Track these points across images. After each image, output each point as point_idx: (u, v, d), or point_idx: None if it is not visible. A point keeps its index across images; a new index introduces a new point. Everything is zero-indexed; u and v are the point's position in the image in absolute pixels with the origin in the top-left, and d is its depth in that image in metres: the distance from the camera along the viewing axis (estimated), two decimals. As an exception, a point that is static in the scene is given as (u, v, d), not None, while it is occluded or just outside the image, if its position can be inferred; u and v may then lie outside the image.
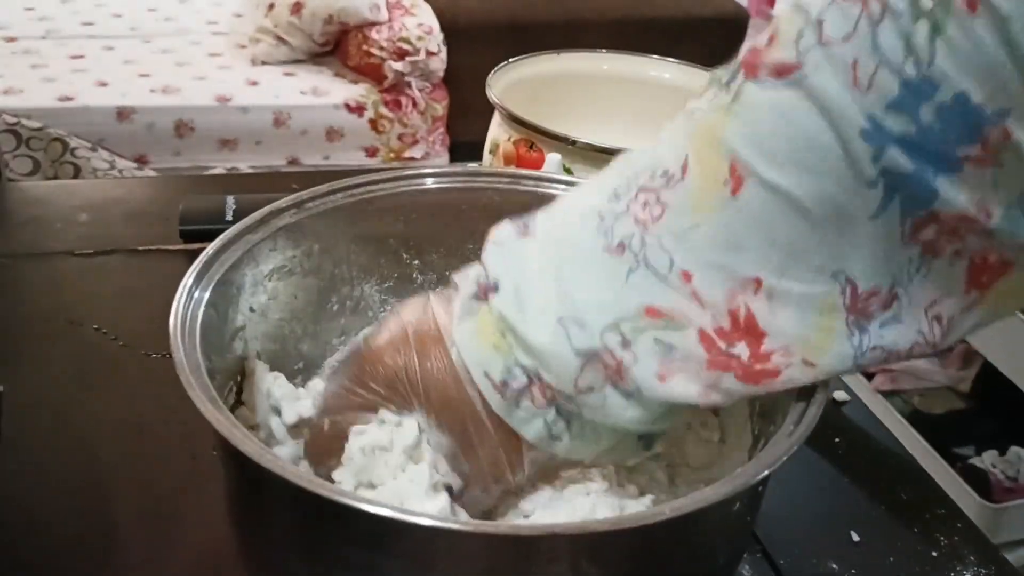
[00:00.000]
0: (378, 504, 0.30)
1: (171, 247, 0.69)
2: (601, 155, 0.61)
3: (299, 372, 0.48)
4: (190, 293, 0.39)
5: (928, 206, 0.30)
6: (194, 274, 0.40)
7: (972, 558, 0.48)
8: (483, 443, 0.38)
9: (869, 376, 1.60)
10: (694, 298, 0.33)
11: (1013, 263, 0.31)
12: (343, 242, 0.48)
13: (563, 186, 0.49)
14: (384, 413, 0.39)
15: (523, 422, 0.37)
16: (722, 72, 0.33)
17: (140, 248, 0.69)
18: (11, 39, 2.22)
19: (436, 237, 0.50)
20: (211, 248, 0.42)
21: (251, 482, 0.35)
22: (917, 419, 1.50)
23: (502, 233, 0.39)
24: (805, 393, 0.35)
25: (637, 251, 0.34)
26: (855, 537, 0.49)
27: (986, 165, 0.29)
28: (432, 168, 0.50)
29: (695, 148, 0.33)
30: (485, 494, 0.39)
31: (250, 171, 1.97)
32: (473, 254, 0.45)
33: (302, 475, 0.31)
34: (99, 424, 0.53)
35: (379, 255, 0.49)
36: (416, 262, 0.50)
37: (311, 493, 0.30)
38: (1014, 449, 1.44)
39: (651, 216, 0.33)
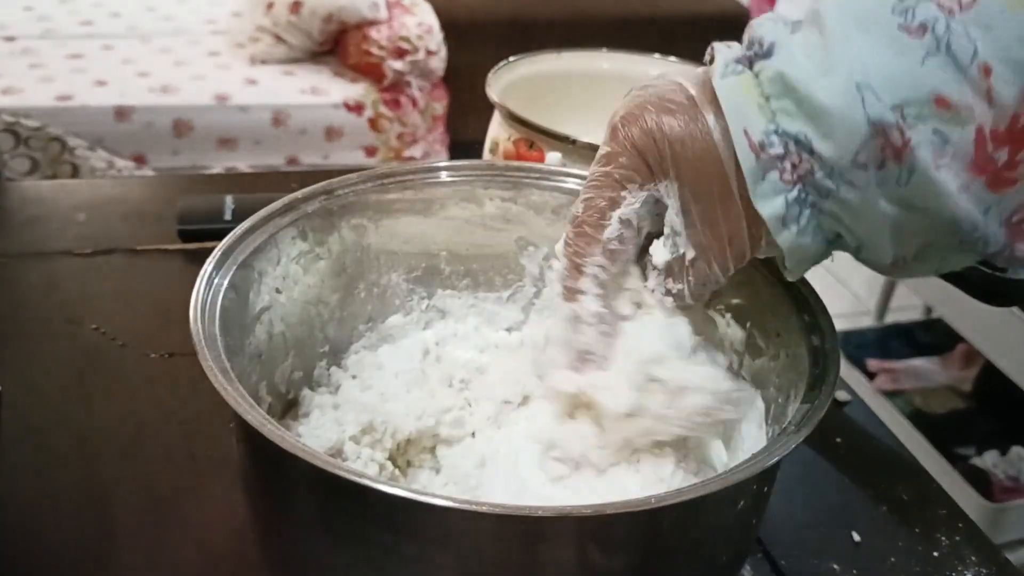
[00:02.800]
0: (395, 485, 0.31)
1: (170, 247, 0.69)
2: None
3: (324, 355, 0.48)
4: (210, 277, 0.40)
5: None
6: (216, 258, 0.41)
7: (973, 558, 0.48)
8: (728, 215, 0.37)
9: (871, 376, 1.60)
10: (987, 95, 0.32)
11: None
12: (370, 231, 0.49)
13: (573, 180, 0.49)
14: (628, 192, 0.38)
15: (764, 196, 0.35)
16: None
17: (139, 248, 0.69)
18: (10, 39, 2.22)
19: (463, 230, 0.50)
20: (237, 230, 0.42)
21: (269, 463, 0.35)
22: (918, 419, 1.50)
23: (768, 15, 0.37)
24: (810, 393, 0.36)
25: (940, 35, 0.32)
26: (856, 537, 0.49)
27: None
28: (457, 162, 0.51)
29: None
30: (716, 271, 0.38)
31: (249, 171, 1.97)
32: (501, 246, 0.46)
33: (319, 455, 0.32)
34: (98, 424, 0.53)
35: (406, 245, 0.50)
36: (444, 253, 0.51)
37: (330, 474, 0.31)
38: (1015, 449, 1.44)
39: (959, 4, 0.32)
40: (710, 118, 0.36)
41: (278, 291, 0.45)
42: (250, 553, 0.45)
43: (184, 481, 0.49)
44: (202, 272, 0.40)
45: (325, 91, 2.13)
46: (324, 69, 2.22)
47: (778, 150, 0.34)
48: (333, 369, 0.49)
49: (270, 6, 2.21)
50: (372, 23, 2.17)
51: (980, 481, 1.37)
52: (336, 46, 2.26)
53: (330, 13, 2.15)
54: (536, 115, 0.67)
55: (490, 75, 0.72)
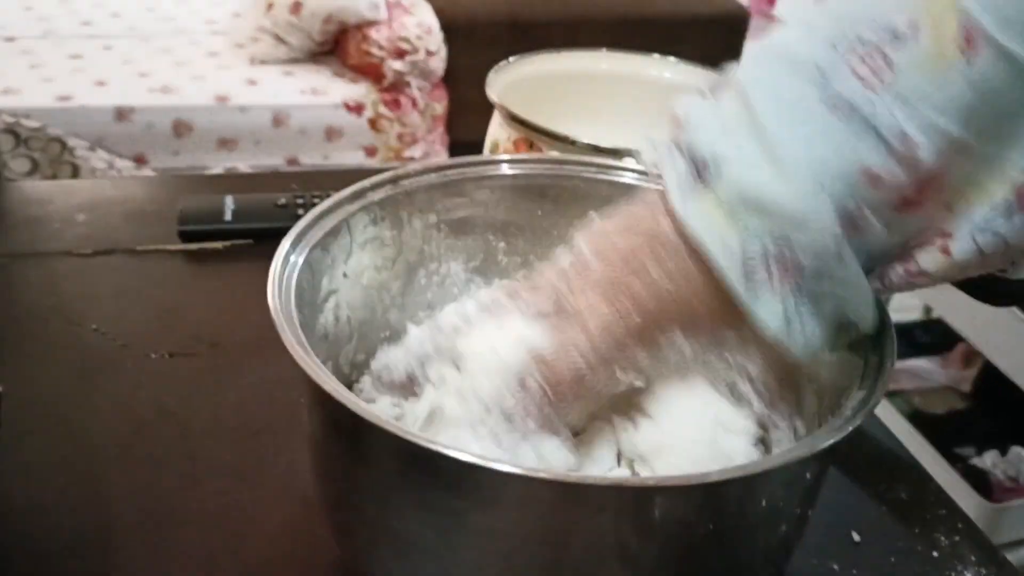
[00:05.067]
0: (463, 451, 0.32)
1: (170, 247, 0.69)
2: (601, 155, 0.61)
3: (385, 340, 0.50)
4: (287, 256, 0.41)
5: None
6: (291, 239, 0.42)
7: (973, 558, 0.48)
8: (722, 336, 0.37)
9: (869, 376, 1.60)
10: (910, 163, 0.32)
11: None
12: (432, 220, 0.50)
13: (636, 175, 0.49)
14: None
15: (765, 306, 0.34)
16: None
17: (139, 248, 0.69)
18: (10, 39, 2.22)
19: (521, 222, 0.51)
20: (310, 215, 0.44)
21: (342, 431, 0.37)
22: (918, 419, 1.50)
23: (687, 102, 0.36)
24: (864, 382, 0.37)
25: (867, 113, 0.32)
26: (855, 537, 0.49)
27: None
28: (519, 156, 0.53)
29: (923, 6, 0.31)
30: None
31: (249, 171, 1.97)
32: (558, 240, 0.46)
33: (391, 422, 0.33)
34: (98, 424, 0.53)
35: (466, 235, 0.51)
36: (502, 244, 0.52)
37: (401, 439, 0.32)
38: (1015, 449, 1.44)
39: (875, 74, 0.31)
40: (683, 251, 0.35)
41: (345, 275, 0.46)
42: (250, 552, 0.45)
43: (184, 481, 0.49)
44: (279, 252, 0.41)
45: (325, 91, 2.13)
46: (324, 69, 2.22)
47: (760, 261, 0.34)
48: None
49: (270, 6, 2.21)
50: (372, 24, 2.17)
51: (980, 481, 1.37)
52: (336, 46, 2.26)
53: (330, 14, 2.15)
54: (536, 115, 0.67)
55: (490, 75, 0.72)
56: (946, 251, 0.34)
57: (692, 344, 0.37)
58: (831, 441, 0.34)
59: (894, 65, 0.31)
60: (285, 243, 0.42)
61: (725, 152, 0.34)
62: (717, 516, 0.34)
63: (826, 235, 0.33)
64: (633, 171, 0.50)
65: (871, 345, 0.38)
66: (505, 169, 0.50)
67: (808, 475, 0.37)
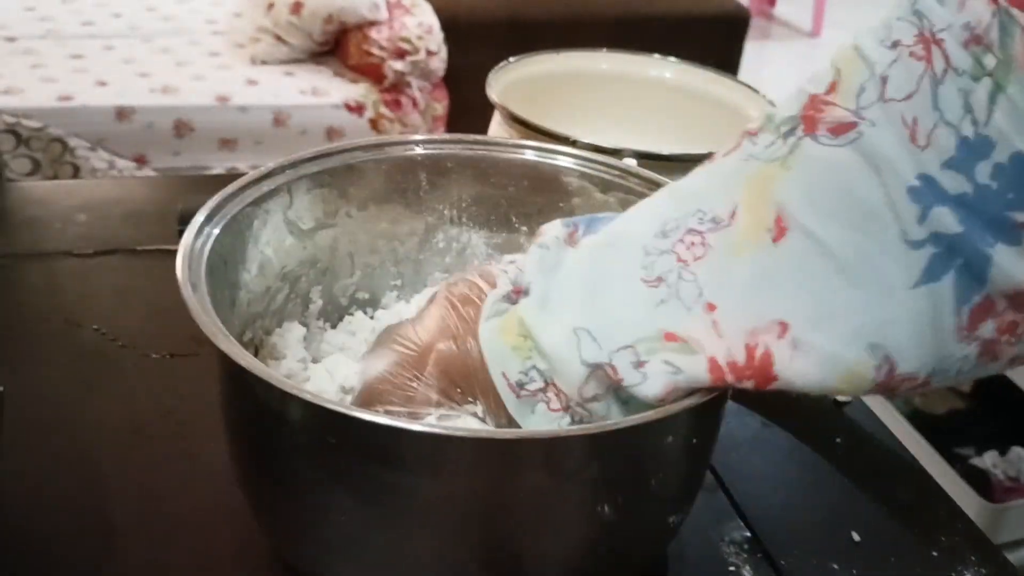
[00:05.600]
0: (372, 412, 0.34)
1: (170, 247, 0.69)
2: (601, 155, 0.61)
3: (394, 288, 0.54)
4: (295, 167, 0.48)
5: (983, 279, 0.29)
6: (308, 158, 0.48)
7: (973, 558, 0.48)
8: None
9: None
10: (714, 327, 0.34)
11: None
12: (455, 188, 0.52)
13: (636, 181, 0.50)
14: (442, 410, 0.41)
15: (535, 425, 0.38)
16: (779, 115, 0.34)
17: (139, 248, 0.69)
18: (11, 39, 2.22)
19: (546, 207, 0.52)
20: (334, 147, 0.49)
21: (245, 395, 0.38)
22: (918, 419, 1.50)
23: (549, 236, 0.40)
24: None
25: (672, 284, 0.35)
26: (855, 537, 0.49)
27: None
28: (543, 143, 0.53)
29: (746, 198, 0.34)
30: None
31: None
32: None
33: (290, 384, 0.34)
34: (98, 424, 0.53)
35: (490, 212, 0.53)
36: (524, 228, 0.53)
37: (303, 401, 0.33)
38: (1015, 449, 1.44)
39: (693, 256, 0.34)
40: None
41: (349, 215, 0.50)
42: (250, 552, 0.45)
43: (183, 481, 0.49)
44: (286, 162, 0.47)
45: (325, 91, 2.13)
46: (324, 69, 2.22)
47: (539, 384, 0.38)
48: (401, 304, 0.53)
49: (270, 6, 2.21)
50: (372, 24, 2.16)
51: (980, 481, 1.37)
52: (336, 47, 2.26)
53: (330, 14, 2.15)
54: (536, 115, 0.67)
55: (490, 75, 0.72)
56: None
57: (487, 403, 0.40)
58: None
59: (709, 247, 0.34)
60: (307, 155, 0.47)
61: (536, 281, 0.39)
62: (615, 461, 0.37)
63: (575, 380, 0.36)
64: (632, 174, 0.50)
65: None
66: (527, 155, 0.52)
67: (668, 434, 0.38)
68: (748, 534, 0.48)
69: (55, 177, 1.76)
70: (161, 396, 0.55)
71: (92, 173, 1.81)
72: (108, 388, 0.56)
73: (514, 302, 0.39)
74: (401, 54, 2.14)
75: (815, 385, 0.33)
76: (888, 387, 0.32)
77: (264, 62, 2.20)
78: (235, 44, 2.28)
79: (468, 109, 2.17)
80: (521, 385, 0.38)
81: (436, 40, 2.18)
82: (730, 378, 0.34)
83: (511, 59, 0.76)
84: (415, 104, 2.18)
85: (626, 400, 0.37)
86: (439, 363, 0.40)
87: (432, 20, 2.21)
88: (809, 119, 0.32)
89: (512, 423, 0.39)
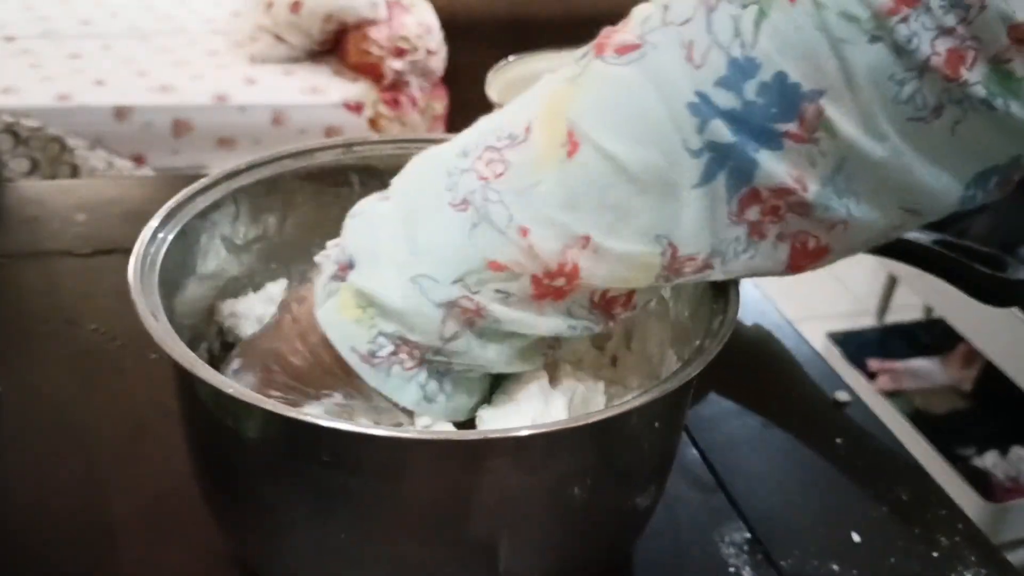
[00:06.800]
0: (329, 419, 0.34)
1: (170, 247, 0.69)
2: None
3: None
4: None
5: (750, 178, 0.33)
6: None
7: (973, 558, 0.48)
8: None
9: (871, 376, 1.60)
10: (530, 252, 0.35)
11: (828, 249, 0.35)
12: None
13: None
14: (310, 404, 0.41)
15: (397, 389, 0.39)
16: (580, 51, 0.37)
17: (139, 248, 0.69)
18: (9, 38, 2.22)
19: None
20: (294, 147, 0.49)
21: (198, 402, 0.39)
22: (918, 419, 1.51)
23: (362, 203, 0.41)
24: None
25: (479, 206, 0.36)
26: (856, 537, 0.49)
27: (803, 141, 0.32)
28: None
29: (540, 113, 0.36)
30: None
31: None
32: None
33: (251, 394, 0.34)
34: (98, 424, 0.53)
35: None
36: None
37: (259, 409, 0.33)
38: (1015, 449, 1.44)
39: (493, 173, 0.36)
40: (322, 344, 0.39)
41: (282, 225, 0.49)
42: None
43: (183, 481, 0.49)
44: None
45: (325, 91, 2.13)
46: (324, 69, 2.22)
47: (388, 348, 0.38)
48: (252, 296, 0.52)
49: (270, 5, 2.20)
50: (372, 23, 2.16)
51: (980, 481, 1.37)
52: (336, 46, 2.25)
53: (330, 13, 2.15)
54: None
55: (490, 75, 0.72)
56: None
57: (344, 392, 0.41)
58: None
59: (508, 163, 0.36)
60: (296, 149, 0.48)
61: (361, 249, 0.39)
62: (579, 456, 0.37)
63: (431, 327, 0.37)
64: None
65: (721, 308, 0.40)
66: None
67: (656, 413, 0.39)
68: (748, 534, 0.48)
69: (53, 177, 1.76)
70: (161, 396, 0.55)
71: (91, 173, 1.80)
72: (107, 388, 0.55)
73: (343, 280, 0.39)
74: (400, 53, 2.14)
75: (610, 280, 0.36)
76: (673, 269, 0.36)
77: (263, 61, 2.20)
78: (234, 43, 2.28)
79: (468, 109, 2.16)
80: (372, 354, 0.38)
81: (435, 39, 2.18)
82: (545, 283, 0.36)
83: (511, 58, 0.76)
84: (414, 103, 2.18)
85: (480, 332, 0.38)
86: (288, 372, 0.41)
87: (431, 19, 2.21)
88: (600, 45, 0.36)
89: (376, 394, 0.39)
